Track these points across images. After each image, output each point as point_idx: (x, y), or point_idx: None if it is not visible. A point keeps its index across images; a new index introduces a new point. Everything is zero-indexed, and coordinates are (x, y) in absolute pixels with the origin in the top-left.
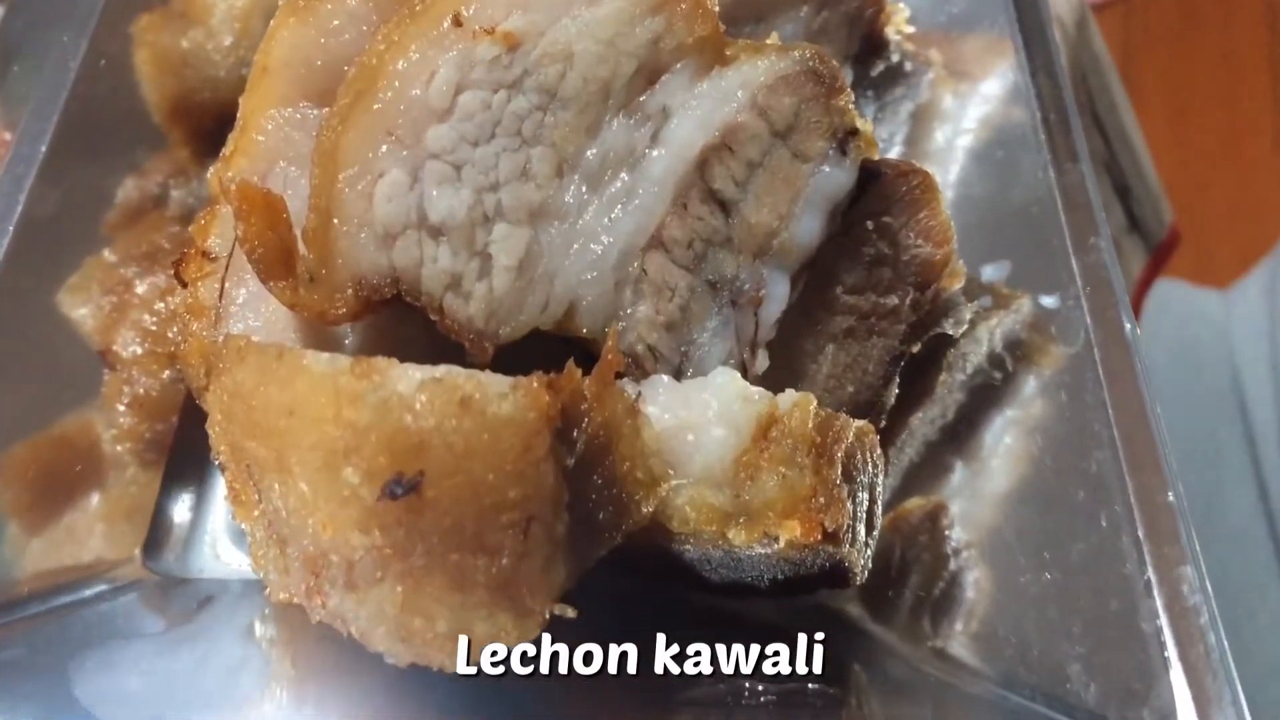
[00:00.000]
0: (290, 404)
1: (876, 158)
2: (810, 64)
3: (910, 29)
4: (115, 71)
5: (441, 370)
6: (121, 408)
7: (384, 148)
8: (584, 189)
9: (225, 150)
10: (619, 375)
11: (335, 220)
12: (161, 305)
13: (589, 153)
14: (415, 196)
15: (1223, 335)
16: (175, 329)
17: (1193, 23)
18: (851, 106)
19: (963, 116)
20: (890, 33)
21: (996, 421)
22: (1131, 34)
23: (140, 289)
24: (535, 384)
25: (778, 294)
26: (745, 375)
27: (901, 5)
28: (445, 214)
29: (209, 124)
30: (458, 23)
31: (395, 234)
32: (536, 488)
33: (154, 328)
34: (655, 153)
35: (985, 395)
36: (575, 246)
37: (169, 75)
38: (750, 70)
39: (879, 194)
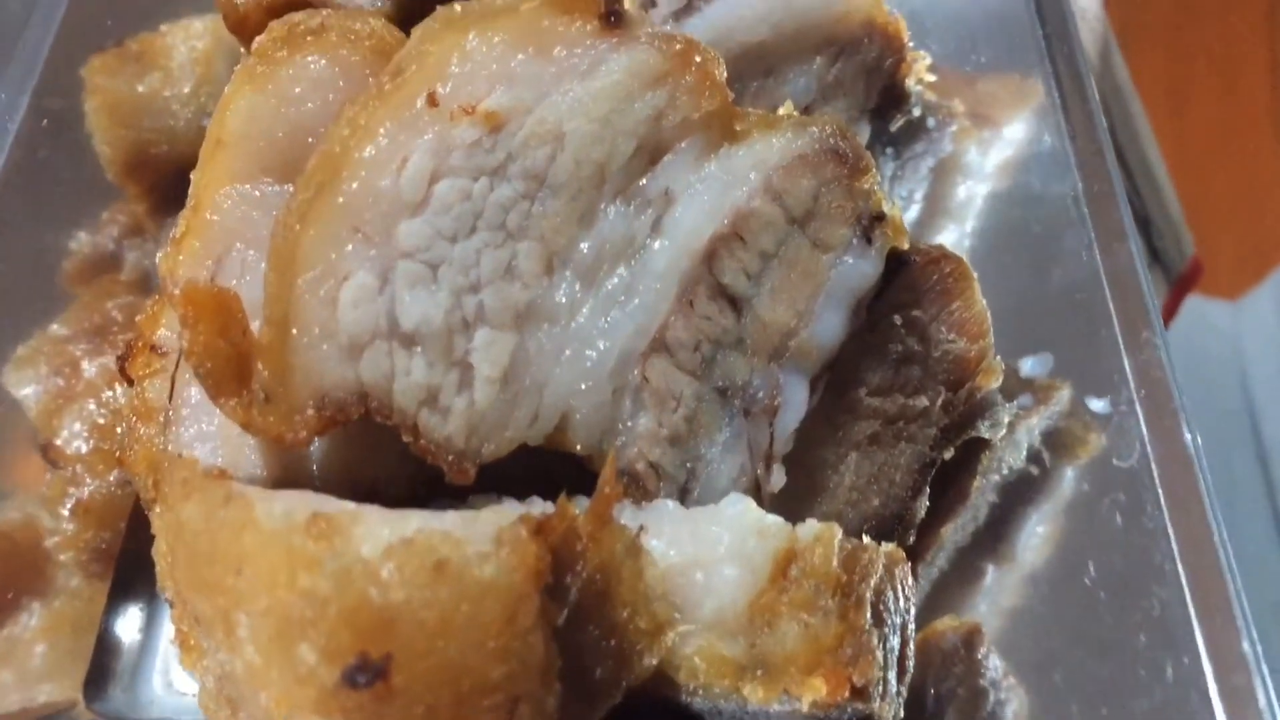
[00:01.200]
0: (239, 559)
1: (906, 246)
2: (830, 141)
3: (932, 78)
4: (63, 123)
5: (413, 527)
6: (65, 512)
7: (349, 247)
8: (577, 287)
9: (176, 230)
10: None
11: (294, 331)
12: (110, 394)
13: (582, 245)
14: (385, 301)
15: (1233, 350)
16: (122, 428)
17: (1190, 13)
18: (878, 189)
19: (989, 172)
20: (911, 84)
21: (1033, 520)
22: (1129, 25)
23: (88, 370)
24: (523, 532)
25: (795, 401)
26: (759, 494)
27: (923, 53)
28: (419, 320)
29: (167, 178)
30: (433, 102)
31: (362, 344)
32: (523, 663)
33: (101, 420)
34: (657, 244)
35: (1020, 492)
36: (567, 352)
37: (123, 126)
38: (763, 148)
39: (907, 284)
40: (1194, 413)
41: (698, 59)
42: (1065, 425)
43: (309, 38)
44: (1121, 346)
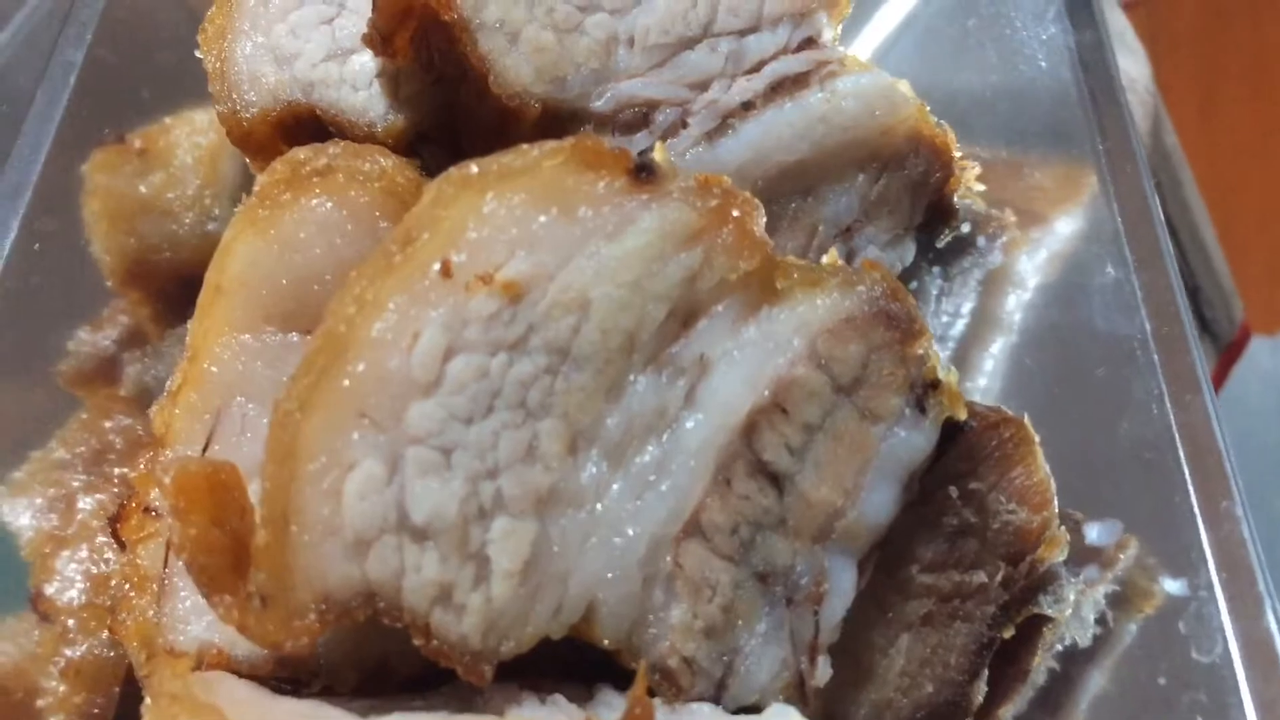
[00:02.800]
0: None
1: (963, 415)
2: (880, 302)
3: (981, 187)
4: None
5: None
6: (55, 671)
7: (356, 434)
8: (604, 466)
9: (172, 382)
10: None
11: (293, 528)
12: (105, 539)
13: (609, 421)
14: (394, 492)
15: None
16: (113, 586)
17: (1221, 20)
18: (933, 351)
19: (1043, 285)
20: (958, 200)
21: (1097, 697)
22: (1158, 33)
23: (83, 506)
24: None
25: (842, 587)
26: (802, 689)
27: (972, 163)
28: (432, 512)
29: (170, 286)
30: (447, 272)
31: (370, 540)
32: None
33: (95, 569)
34: (691, 418)
35: (1080, 655)
36: (594, 539)
37: (123, 232)
38: (807, 310)
39: (963, 452)
40: (1237, 454)
41: (735, 213)
42: (1129, 576)
43: (314, 179)
44: (1198, 518)
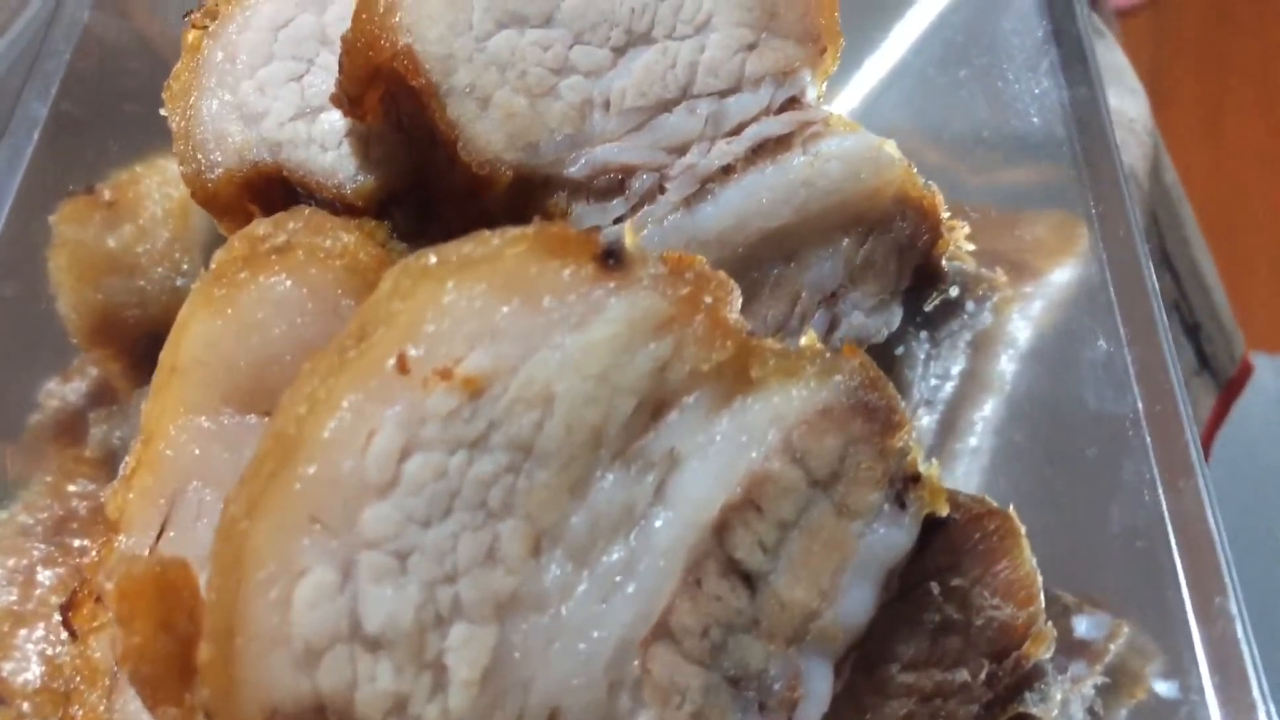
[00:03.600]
0: None
1: (945, 511)
2: (859, 394)
3: (970, 247)
4: (25, 289)
5: None
6: None
7: (306, 540)
8: (568, 568)
9: (125, 466)
10: None
11: (239, 640)
12: (60, 619)
13: (574, 520)
14: (347, 600)
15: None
16: (65, 678)
17: (1226, 26)
18: (914, 443)
19: (1034, 349)
20: (946, 262)
21: None
22: (1162, 38)
23: (42, 580)
24: None
25: (818, 691)
26: None
27: (961, 223)
28: (386, 620)
29: (138, 344)
30: (403, 368)
31: (320, 650)
32: None
33: (52, 650)
34: (660, 515)
35: None
36: (557, 644)
37: (90, 288)
38: (782, 401)
39: (945, 546)
40: (1239, 474)
41: (708, 300)
42: (1118, 661)
43: (273, 256)
44: (1191, 615)
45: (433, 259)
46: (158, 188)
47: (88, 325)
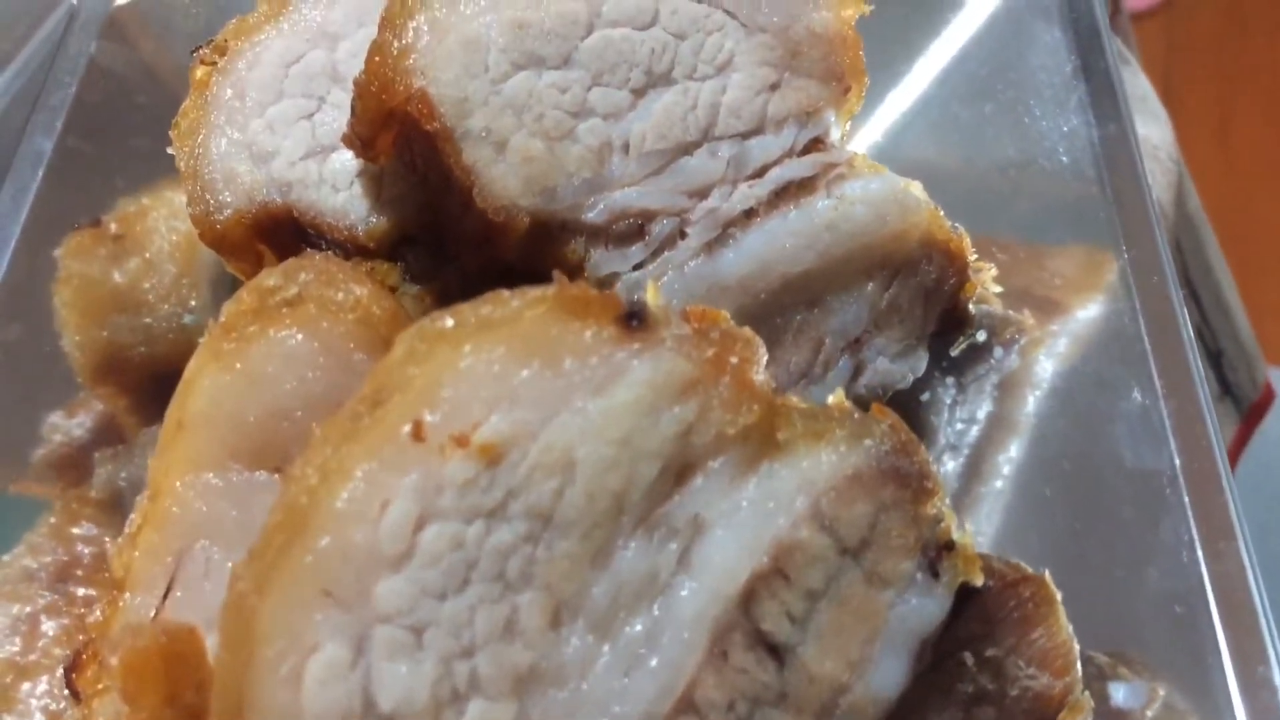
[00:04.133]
0: None
1: (979, 581)
2: (890, 459)
3: (998, 289)
4: (29, 329)
5: None
6: None
7: (318, 615)
8: (589, 640)
9: (131, 524)
10: None
11: (248, 718)
12: (64, 678)
13: (595, 590)
14: (359, 676)
15: None
16: None
17: (1239, 30)
18: (946, 510)
19: (1062, 390)
20: (973, 306)
21: None
22: (1174, 42)
23: (46, 630)
24: None
25: None
26: None
27: (988, 265)
28: (401, 697)
29: (144, 383)
30: (419, 435)
31: None
32: None
33: (56, 705)
34: (685, 585)
35: None
36: (578, 719)
37: (96, 325)
38: (811, 466)
39: (979, 614)
40: (1264, 498)
41: (733, 360)
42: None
43: (284, 309)
44: (1232, 684)
45: (449, 322)
46: (165, 220)
47: (93, 363)
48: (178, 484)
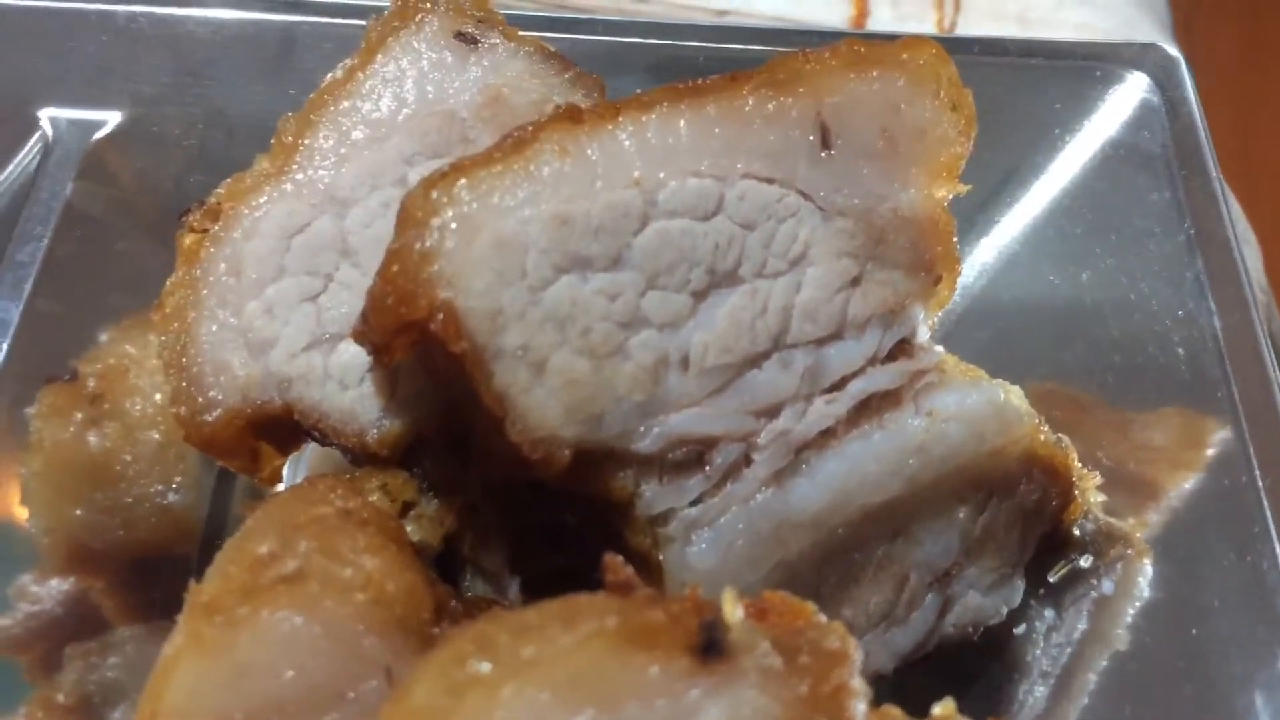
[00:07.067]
0: None
1: None
2: None
3: (1102, 498)
4: None
5: None
6: None
7: None
8: None
9: None
10: None
11: None
12: None
13: None
14: None
15: None
16: None
17: (1260, 50)
18: None
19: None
20: (1077, 528)
21: None
22: (1194, 58)
23: None
24: None
25: None
26: None
27: (1092, 473)
28: None
29: (122, 572)
30: None
31: None
32: None
33: None
34: None
35: None
36: None
37: (68, 501)
38: None
39: None
40: None
41: (827, 689)
42: None
43: (280, 587)
44: None
45: (484, 666)
46: (148, 378)
47: (64, 547)
48: None
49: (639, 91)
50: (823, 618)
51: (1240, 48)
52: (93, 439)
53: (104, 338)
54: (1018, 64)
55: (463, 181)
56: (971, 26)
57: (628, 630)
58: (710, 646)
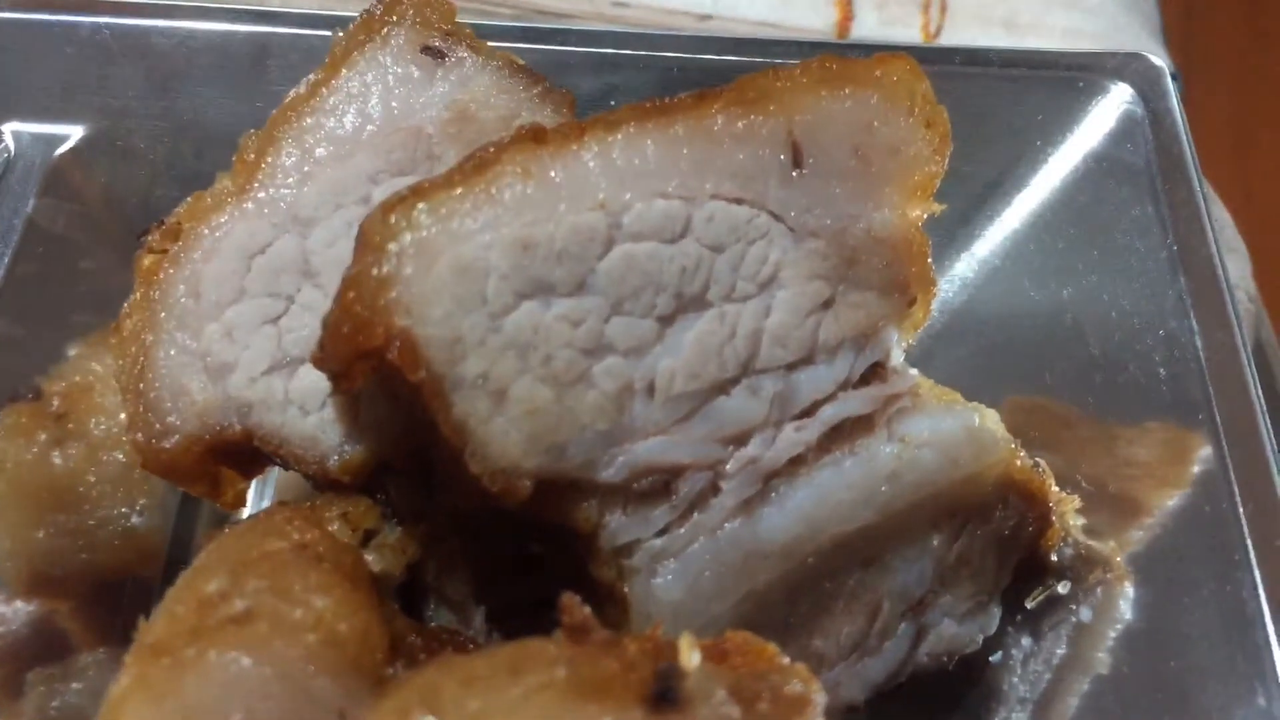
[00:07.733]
0: None
1: None
2: None
3: (1081, 521)
4: None
5: None
6: None
7: None
8: None
9: None
10: None
11: None
12: None
13: None
14: None
15: None
16: None
17: (1261, 42)
18: None
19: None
20: (1054, 554)
21: None
22: (1192, 58)
23: None
24: None
25: None
26: None
27: (1071, 496)
28: None
29: (87, 595)
30: None
31: None
32: None
33: None
34: None
35: None
36: None
37: (31, 524)
38: None
39: None
40: None
41: None
42: None
43: (229, 628)
44: None
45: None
46: (113, 396)
47: (27, 571)
48: None
49: (612, 105)
50: (785, 660)
51: (1240, 47)
52: (57, 460)
53: (71, 353)
54: (1000, 74)
55: (421, 205)
56: (958, 30)
57: (577, 680)
58: (664, 695)
